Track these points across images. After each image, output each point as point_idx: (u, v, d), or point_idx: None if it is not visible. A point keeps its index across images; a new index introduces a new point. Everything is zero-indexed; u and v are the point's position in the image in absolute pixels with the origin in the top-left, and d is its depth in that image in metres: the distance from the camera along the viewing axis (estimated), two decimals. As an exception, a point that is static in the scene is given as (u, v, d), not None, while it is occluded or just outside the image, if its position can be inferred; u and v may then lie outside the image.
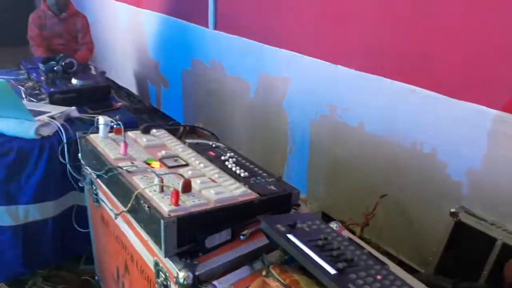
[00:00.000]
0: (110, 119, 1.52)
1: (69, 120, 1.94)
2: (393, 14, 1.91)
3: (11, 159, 1.72)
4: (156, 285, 1.18)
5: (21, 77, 2.41)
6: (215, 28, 3.01)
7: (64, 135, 1.76)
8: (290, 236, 1.02)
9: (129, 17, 4.26)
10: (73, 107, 1.97)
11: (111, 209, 1.43)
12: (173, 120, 3.90)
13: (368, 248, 1.17)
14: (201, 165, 1.41)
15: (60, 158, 1.76)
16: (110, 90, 2.25)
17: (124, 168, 1.29)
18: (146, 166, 1.35)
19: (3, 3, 6.52)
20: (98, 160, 1.41)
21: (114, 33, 4.62)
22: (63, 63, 2.30)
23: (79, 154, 1.62)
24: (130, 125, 1.67)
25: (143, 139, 1.55)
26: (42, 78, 2.24)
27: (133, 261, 1.37)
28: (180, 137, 1.72)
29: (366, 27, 2.04)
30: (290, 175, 2.69)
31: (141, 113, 3.70)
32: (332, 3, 2.19)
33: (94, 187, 1.56)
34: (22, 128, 1.72)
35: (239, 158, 1.52)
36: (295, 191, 1.34)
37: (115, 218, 1.37)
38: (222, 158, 1.49)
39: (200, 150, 1.55)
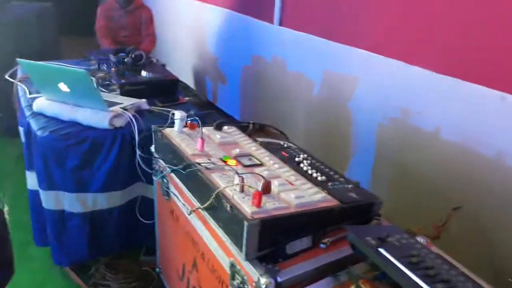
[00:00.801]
0: (185, 114, 1.51)
1: (139, 111, 1.95)
2: (482, 13, 1.77)
3: (85, 148, 1.75)
4: (230, 287, 1.15)
5: (92, 67, 2.47)
6: (280, 24, 2.96)
7: (136, 127, 1.78)
8: (382, 251, 0.94)
9: (191, 11, 4.29)
10: (143, 100, 1.99)
11: (184, 204, 1.41)
12: (229, 115, 3.90)
13: (461, 267, 1.08)
14: (276, 165, 1.37)
15: (132, 149, 1.79)
16: (177, 83, 2.26)
17: (203, 164, 1.27)
18: (223, 163, 1.32)
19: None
20: (174, 155, 1.40)
21: (175, 26, 4.69)
22: (133, 55, 2.33)
23: (152, 147, 1.63)
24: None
25: (217, 136, 1.52)
26: (113, 69, 2.28)
27: (203, 259, 1.35)
28: (249, 135, 1.69)
29: (449, 25, 1.90)
30: (352, 177, 2.59)
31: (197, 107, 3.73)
32: None
33: (166, 181, 1.56)
34: (97, 118, 1.76)
35: (313, 160, 1.46)
36: (377, 200, 1.26)
37: (189, 214, 1.35)
38: (296, 159, 1.44)
39: (272, 149, 1.51)
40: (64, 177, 1.79)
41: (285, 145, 1.58)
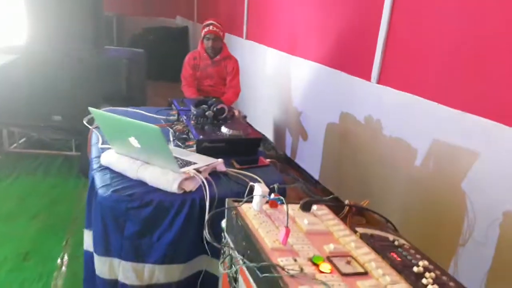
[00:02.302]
0: (267, 189, 1.20)
1: (213, 173, 1.70)
2: None
3: (148, 212, 1.51)
4: None
5: (171, 117, 2.32)
6: (379, 81, 2.62)
7: (208, 194, 1.51)
8: None
9: (278, 63, 4.15)
10: (220, 160, 1.74)
11: (255, 312, 1.07)
12: (307, 174, 3.56)
13: None
14: (387, 278, 0.98)
15: (200, 217, 1.53)
16: (260, 143, 1.99)
17: (287, 269, 0.93)
18: (314, 269, 0.97)
19: (160, 40, 7.20)
20: (249, 244, 1.08)
21: (259, 77, 4.57)
22: (214, 109, 2.13)
23: (223, 223, 1.33)
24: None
25: (304, 221, 1.19)
26: (192, 122, 2.09)
27: None
28: (343, 218, 1.33)
29: None
30: (460, 273, 2.07)
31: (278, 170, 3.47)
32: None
33: (235, 269, 1.24)
34: (166, 179, 1.52)
35: (438, 272, 1.05)
36: None
37: (262, 331, 1.01)
38: (415, 269, 1.04)
39: (379, 248, 1.13)
40: (121, 243, 1.55)
41: (395, 242, 1.19)
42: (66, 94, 3.33)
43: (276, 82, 4.21)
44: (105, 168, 1.67)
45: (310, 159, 3.57)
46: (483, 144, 1.95)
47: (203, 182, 1.55)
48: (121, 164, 1.61)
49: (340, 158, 3.14)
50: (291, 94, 3.88)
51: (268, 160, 1.91)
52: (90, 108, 1.55)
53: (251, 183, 1.28)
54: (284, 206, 1.25)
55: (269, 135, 4.45)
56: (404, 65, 2.43)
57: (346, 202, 1.40)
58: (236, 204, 1.23)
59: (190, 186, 1.54)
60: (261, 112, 4.59)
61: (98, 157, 1.76)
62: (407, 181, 2.44)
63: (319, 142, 3.41)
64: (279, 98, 4.17)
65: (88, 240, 1.71)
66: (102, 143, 1.89)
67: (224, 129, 1.99)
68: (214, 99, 2.33)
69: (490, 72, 1.92)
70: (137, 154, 1.59)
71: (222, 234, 1.36)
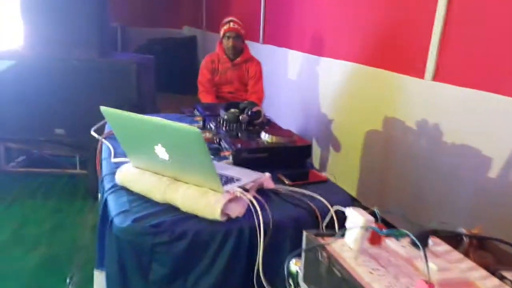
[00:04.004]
0: (372, 217, 0.80)
1: (260, 192, 1.30)
2: None
3: (181, 248, 1.12)
4: None
5: (195, 125, 1.93)
6: (435, 78, 2.23)
7: (261, 220, 1.11)
8: None
9: (302, 66, 3.77)
10: (267, 174, 1.34)
11: None
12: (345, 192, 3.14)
13: None
14: None
15: (249, 251, 1.13)
16: (310, 152, 1.60)
17: None
18: None
19: (167, 51, 6.88)
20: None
21: (280, 83, 4.19)
22: (249, 113, 1.74)
23: (294, 266, 0.93)
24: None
25: (432, 265, 0.78)
26: (223, 129, 1.70)
27: None
28: (467, 254, 0.93)
29: None
30: None
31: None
32: None
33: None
34: (206, 202, 1.13)
35: None
36: None
37: None
38: None
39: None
40: (146, 289, 1.15)
41: None
42: (70, 105, 2.97)
43: (301, 87, 3.83)
44: (120, 189, 1.27)
45: (345, 173, 3.16)
46: None
47: (253, 204, 1.15)
48: (142, 183, 1.22)
49: (383, 171, 2.73)
50: (319, 100, 3.50)
51: (324, 173, 1.51)
52: (102, 107, 1.17)
53: (335, 207, 0.88)
54: (388, 241, 0.85)
55: (292, 146, 4.04)
56: (470, 54, 2.04)
57: (464, 231, 1.00)
58: (323, 240, 0.82)
59: (237, 211, 1.14)
60: (282, 122, 4.20)
61: (112, 174, 1.37)
62: (476, 194, 2.02)
63: (355, 153, 3.00)
64: (304, 105, 3.79)
65: (100, 284, 1.30)
66: (115, 156, 1.50)
67: (264, 136, 1.60)
68: (245, 102, 1.95)
69: None
70: (165, 168, 1.20)
71: (289, 280, 0.96)
